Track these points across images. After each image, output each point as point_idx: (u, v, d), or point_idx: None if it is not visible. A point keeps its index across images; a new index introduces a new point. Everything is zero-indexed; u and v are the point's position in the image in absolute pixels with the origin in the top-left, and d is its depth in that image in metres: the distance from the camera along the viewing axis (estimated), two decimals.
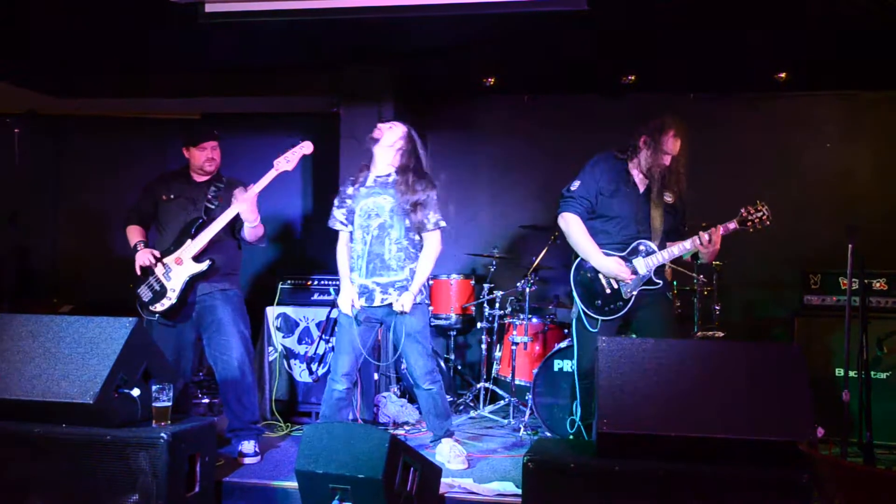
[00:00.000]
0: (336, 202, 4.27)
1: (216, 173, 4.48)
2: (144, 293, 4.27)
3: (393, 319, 4.14)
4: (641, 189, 4.16)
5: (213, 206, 4.34)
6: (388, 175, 4.16)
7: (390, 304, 4.11)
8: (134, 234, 4.44)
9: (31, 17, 4.93)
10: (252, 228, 4.29)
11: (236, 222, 4.33)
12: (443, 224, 4.18)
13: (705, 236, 3.97)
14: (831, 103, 6.14)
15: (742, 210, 4.01)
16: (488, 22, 4.79)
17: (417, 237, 4.18)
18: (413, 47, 5.55)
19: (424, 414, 4.36)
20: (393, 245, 4.09)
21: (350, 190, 4.22)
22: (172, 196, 4.41)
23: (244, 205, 4.17)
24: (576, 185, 4.17)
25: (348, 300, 4.14)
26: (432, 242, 4.17)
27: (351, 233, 4.22)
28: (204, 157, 4.38)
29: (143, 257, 4.26)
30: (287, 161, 4.23)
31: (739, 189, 5.09)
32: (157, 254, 4.27)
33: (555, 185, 4.50)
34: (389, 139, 4.16)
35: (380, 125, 4.25)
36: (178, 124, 6.45)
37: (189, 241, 4.25)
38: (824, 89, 6.08)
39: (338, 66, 5.85)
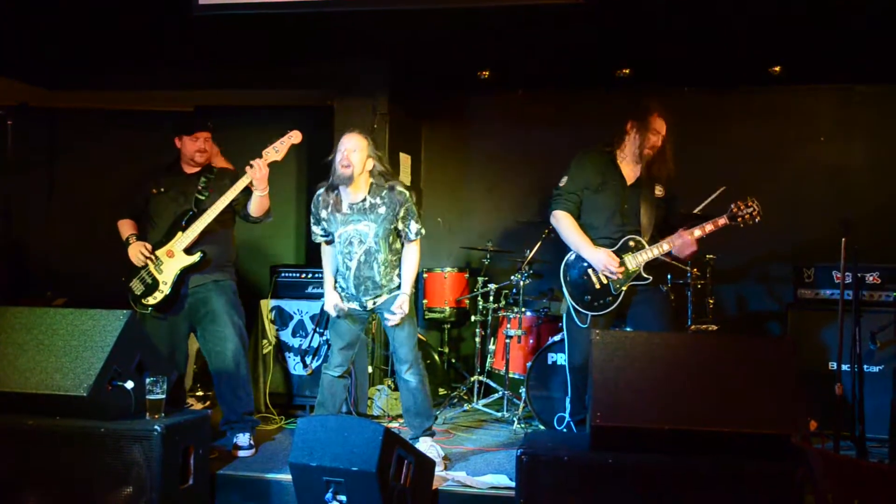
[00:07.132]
0: (312, 220, 4.21)
1: (207, 165, 4.46)
2: (137, 286, 4.25)
3: (385, 308, 4.14)
4: (629, 182, 4.14)
5: (203, 198, 4.31)
6: (364, 200, 4.07)
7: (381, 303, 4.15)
8: (125, 227, 4.41)
9: (24, 8, 4.91)
10: (261, 198, 4.23)
11: (237, 202, 4.28)
12: (423, 233, 4.16)
13: (689, 234, 3.94)
14: (825, 97, 6.14)
15: (732, 206, 3.96)
16: (484, 15, 4.78)
17: (400, 244, 4.17)
18: (408, 40, 5.53)
19: (404, 410, 4.30)
20: (381, 266, 4.09)
21: (324, 213, 4.14)
22: (163, 189, 4.38)
23: (260, 171, 4.11)
24: (564, 181, 4.19)
25: (332, 303, 4.17)
26: (415, 251, 4.16)
27: (332, 244, 4.20)
28: (195, 147, 4.34)
29: (136, 252, 4.24)
30: (276, 151, 4.19)
31: (733, 182, 5.08)
32: (149, 247, 4.25)
33: (549, 178, 4.49)
34: (358, 162, 4.00)
35: (343, 147, 4.03)
36: (171, 117, 6.43)
37: (180, 233, 4.23)
38: (818, 83, 6.09)
39: (332, 59, 5.83)
